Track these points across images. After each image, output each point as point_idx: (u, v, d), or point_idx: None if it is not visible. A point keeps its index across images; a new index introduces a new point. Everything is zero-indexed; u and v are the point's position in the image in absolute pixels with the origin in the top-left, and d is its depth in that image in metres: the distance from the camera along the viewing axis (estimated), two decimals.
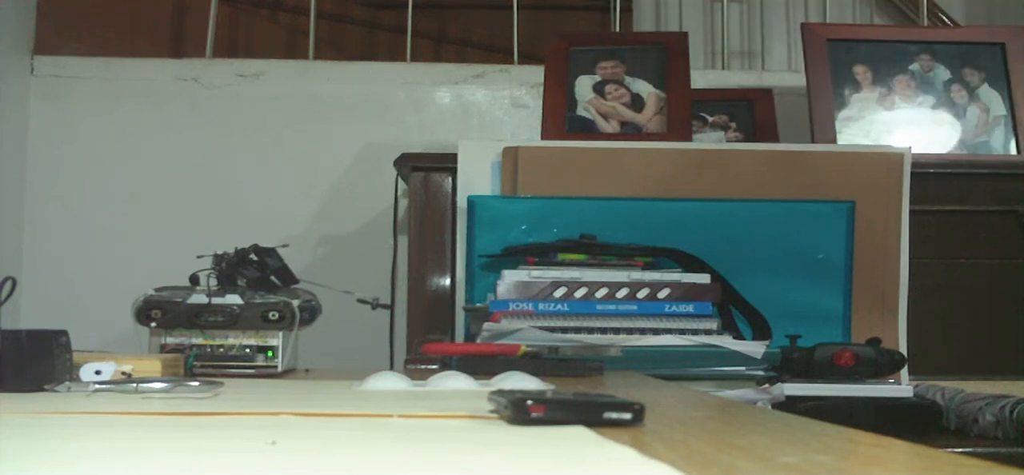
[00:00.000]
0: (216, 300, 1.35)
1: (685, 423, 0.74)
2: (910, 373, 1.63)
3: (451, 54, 3.02)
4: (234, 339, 1.34)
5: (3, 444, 0.61)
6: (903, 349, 1.70)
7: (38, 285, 2.17)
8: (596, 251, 1.64)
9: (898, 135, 2.02)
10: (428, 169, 1.85)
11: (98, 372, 1.00)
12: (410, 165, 1.86)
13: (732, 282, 1.64)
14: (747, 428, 0.72)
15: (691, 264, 1.65)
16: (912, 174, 1.78)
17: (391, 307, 2.03)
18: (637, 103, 2.02)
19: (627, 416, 0.67)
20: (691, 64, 2.03)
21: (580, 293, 1.57)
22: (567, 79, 2.03)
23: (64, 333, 1.00)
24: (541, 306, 1.55)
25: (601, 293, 1.57)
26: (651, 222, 1.70)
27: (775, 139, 2.10)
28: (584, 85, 2.03)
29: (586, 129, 2.00)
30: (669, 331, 1.52)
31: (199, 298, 1.35)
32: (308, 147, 2.30)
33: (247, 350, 1.34)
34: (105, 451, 0.58)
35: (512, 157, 1.77)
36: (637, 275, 1.59)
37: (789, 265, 1.72)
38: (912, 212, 1.77)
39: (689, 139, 1.96)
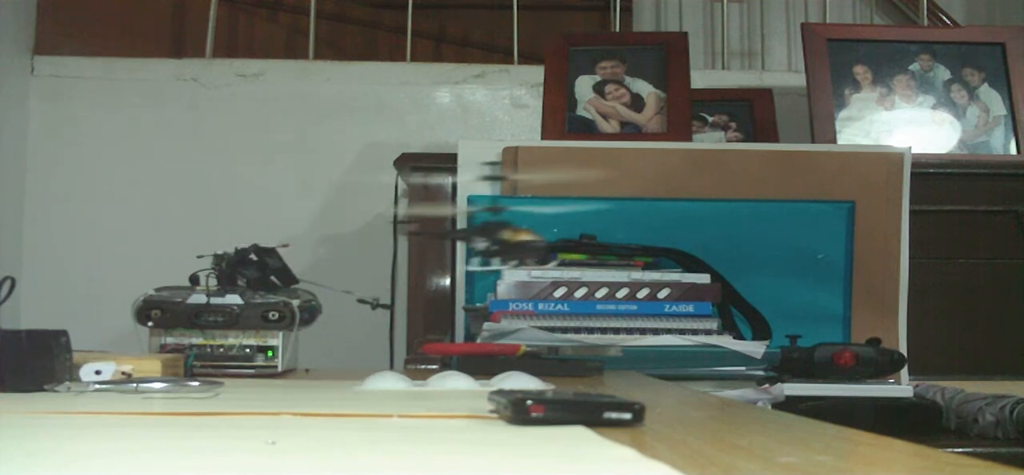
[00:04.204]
0: (216, 300, 1.35)
1: (685, 423, 0.74)
2: (910, 373, 1.63)
3: (451, 54, 3.02)
4: (234, 339, 1.34)
5: (3, 444, 0.61)
6: (903, 349, 1.70)
7: (38, 285, 2.17)
8: (596, 251, 1.64)
9: (898, 135, 2.02)
10: (428, 169, 1.85)
11: (98, 372, 1.00)
12: (410, 165, 1.86)
13: (732, 282, 1.64)
14: (747, 428, 0.72)
15: (691, 264, 1.65)
16: (912, 174, 1.78)
17: (391, 307, 2.03)
18: (637, 103, 2.02)
19: (627, 416, 0.67)
20: (691, 64, 2.03)
21: (580, 293, 1.57)
22: (567, 79, 2.03)
23: (64, 333, 1.00)
24: (541, 306, 1.55)
25: (601, 293, 1.57)
26: (651, 222, 1.70)
27: (775, 139, 2.10)
28: (584, 85, 2.03)
29: (586, 129, 2.00)
30: (669, 331, 1.52)
31: (199, 298, 1.35)
32: (308, 147, 2.30)
33: (247, 350, 1.34)
34: (105, 451, 0.58)
35: (512, 157, 1.77)
36: (637, 275, 1.59)
37: (789, 265, 1.71)
38: (912, 212, 1.77)
39: (689, 139, 1.95)
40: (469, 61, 2.55)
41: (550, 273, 1.59)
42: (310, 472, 0.50)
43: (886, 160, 1.79)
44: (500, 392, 0.75)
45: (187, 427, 0.71)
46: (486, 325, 1.50)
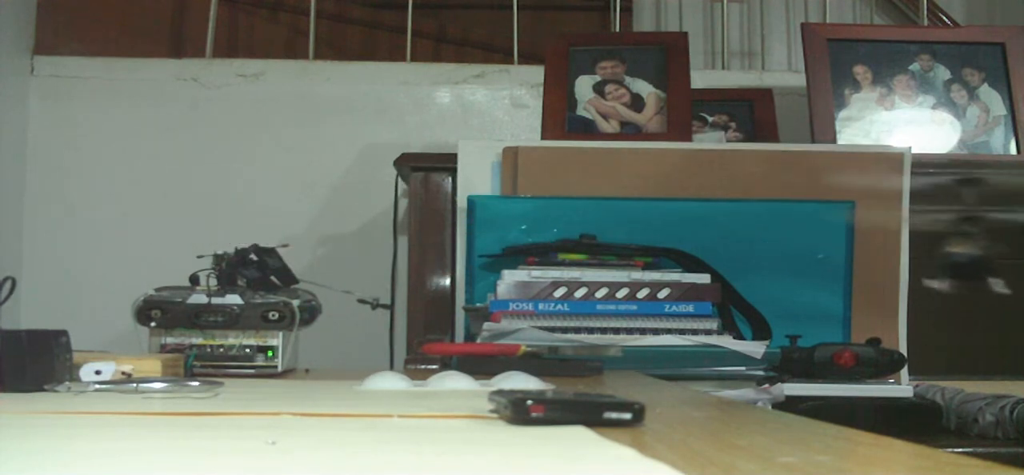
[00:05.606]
0: (216, 300, 1.35)
1: (685, 423, 0.74)
2: (910, 373, 1.63)
3: (451, 54, 3.02)
4: (234, 339, 1.34)
5: (3, 444, 0.61)
6: (903, 349, 1.70)
7: (38, 285, 2.17)
8: (596, 251, 1.64)
9: (898, 135, 2.02)
10: (428, 169, 1.85)
11: (98, 372, 1.00)
12: (410, 165, 1.86)
13: (732, 282, 1.64)
14: (747, 428, 0.72)
15: (691, 264, 1.65)
16: (912, 174, 1.78)
17: (391, 307, 2.03)
18: (637, 103, 2.02)
19: (627, 416, 0.67)
20: (691, 64, 2.03)
21: (580, 293, 1.57)
22: (567, 79, 2.03)
23: (64, 333, 1.00)
24: (541, 306, 1.55)
25: (601, 293, 1.57)
26: (651, 222, 1.70)
27: (775, 139, 2.10)
28: (584, 85, 2.03)
29: (586, 129, 2.00)
30: (669, 331, 1.52)
31: (199, 298, 1.35)
32: (308, 147, 2.30)
33: (247, 350, 1.34)
34: (105, 451, 0.58)
35: (512, 157, 1.77)
36: (637, 275, 1.59)
37: (789, 265, 1.71)
38: (912, 212, 1.77)
39: (689, 139, 1.95)
40: (469, 61, 2.55)
41: (550, 273, 1.59)
42: (310, 472, 0.50)
43: (886, 160, 1.79)
44: (500, 392, 0.75)
45: (187, 427, 0.71)
46: (486, 325, 1.50)
